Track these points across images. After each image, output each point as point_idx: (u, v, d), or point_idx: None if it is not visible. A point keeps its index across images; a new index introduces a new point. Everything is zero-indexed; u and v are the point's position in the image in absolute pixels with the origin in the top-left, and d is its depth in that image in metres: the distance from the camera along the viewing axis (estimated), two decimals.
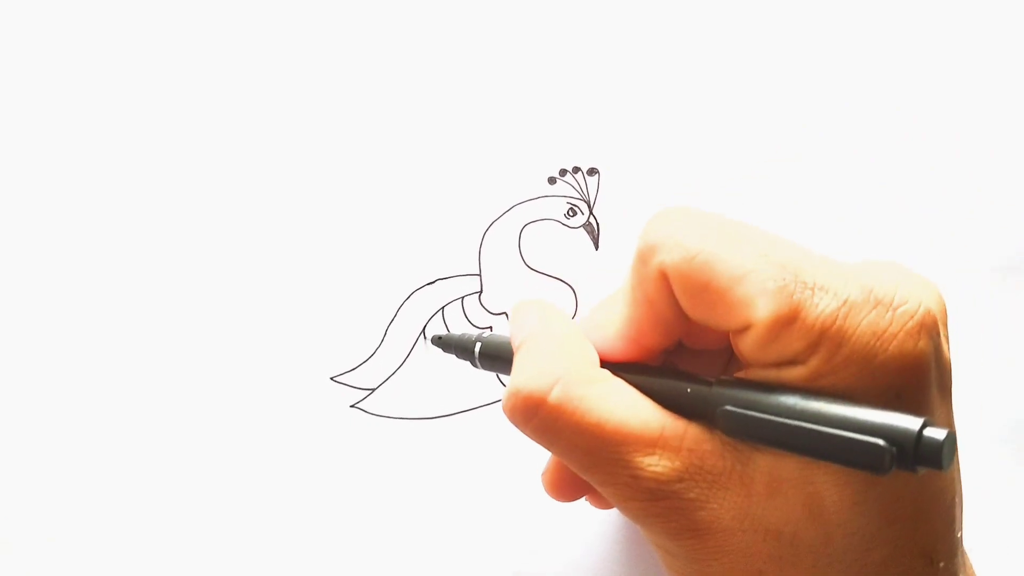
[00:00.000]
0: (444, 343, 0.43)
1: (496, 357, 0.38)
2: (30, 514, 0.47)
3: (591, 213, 0.49)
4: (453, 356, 0.42)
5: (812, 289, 0.27)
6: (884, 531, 0.27)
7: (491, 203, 0.48)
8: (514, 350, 0.34)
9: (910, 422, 0.24)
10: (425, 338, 0.48)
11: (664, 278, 0.29)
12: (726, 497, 0.28)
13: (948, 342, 0.29)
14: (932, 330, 0.27)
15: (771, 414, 0.27)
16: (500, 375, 0.47)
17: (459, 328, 0.48)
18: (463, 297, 0.48)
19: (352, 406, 0.48)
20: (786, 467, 0.27)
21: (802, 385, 0.27)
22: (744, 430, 0.27)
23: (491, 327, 0.48)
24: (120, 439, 0.48)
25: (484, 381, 0.48)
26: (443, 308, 0.48)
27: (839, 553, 0.27)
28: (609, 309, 0.33)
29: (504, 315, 0.48)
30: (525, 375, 0.31)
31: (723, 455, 0.28)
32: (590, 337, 0.33)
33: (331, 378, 0.48)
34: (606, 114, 0.49)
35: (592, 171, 0.49)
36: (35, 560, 0.47)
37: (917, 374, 0.27)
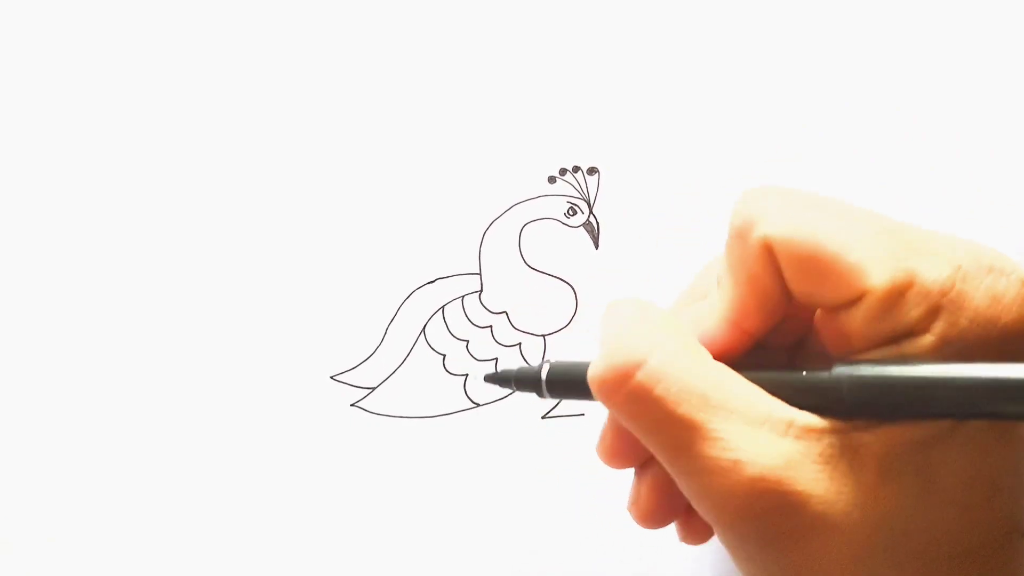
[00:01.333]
0: (501, 379, 0.38)
1: (568, 383, 0.34)
2: (30, 514, 0.47)
3: (591, 212, 0.49)
4: (511, 390, 0.39)
5: (924, 254, 0.26)
6: (988, 505, 0.26)
7: (491, 202, 0.48)
8: (602, 336, 0.31)
9: None
10: (427, 339, 0.48)
11: (768, 251, 0.28)
12: (835, 488, 0.26)
13: None
14: None
15: (900, 381, 0.25)
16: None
17: (459, 329, 0.48)
18: (463, 296, 0.48)
19: (352, 405, 0.48)
20: (900, 448, 0.26)
21: (926, 357, 0.26)
22: (881, 400, 0.26)
23: (491, 326, 0.48)
24: (120, 438, 0.48)
25: (483, 382, 0.48)
26: (443, 307, 0.48)
27: (946, 535, 0.26)
28: (706, 300, 0.31)
29: (504, 314, 0.48)
30: (620, 342, 0.28)
31: (832, 443, 0.26)
32: (688, 325, 0.30)
33: (331, 377, 0.48)
34: (606, 114, 0.49)
35: (592, 170, 0.49)
36: (35, 560, 0.47)
37: None
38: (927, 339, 0.26)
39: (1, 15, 0.49)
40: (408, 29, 0.49)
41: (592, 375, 0.29)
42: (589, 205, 0.49)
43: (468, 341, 0.48)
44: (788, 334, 0.31)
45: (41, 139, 0.48)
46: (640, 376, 0.27)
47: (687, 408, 0.27)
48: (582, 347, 0.48)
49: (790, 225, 0.27)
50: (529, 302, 0.48)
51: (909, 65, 0.50)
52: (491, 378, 0.39)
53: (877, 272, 0.26)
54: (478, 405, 0.48)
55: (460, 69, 0.49)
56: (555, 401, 0.48)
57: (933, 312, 0.26)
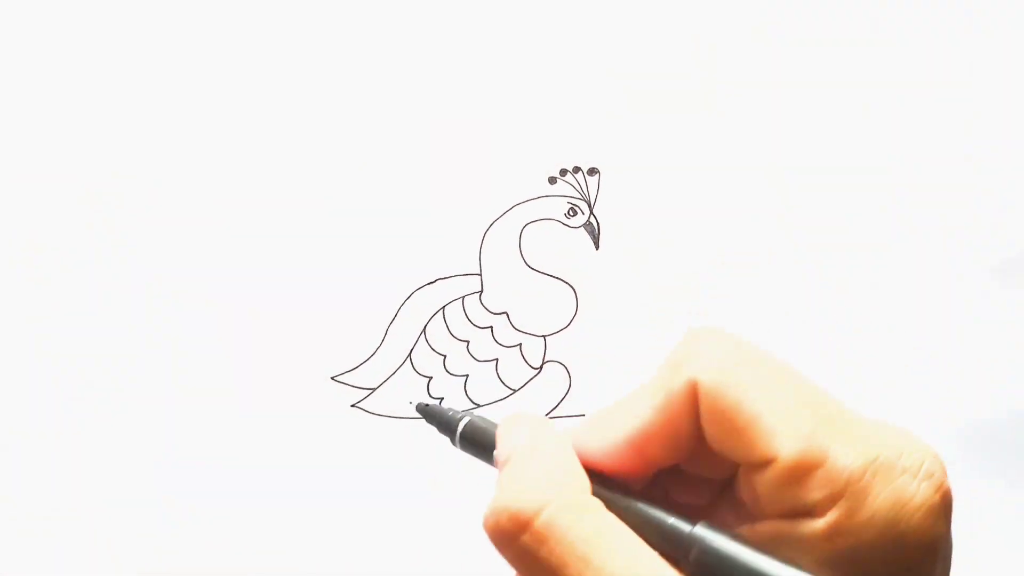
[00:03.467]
0: (428, 413, 0.42)
1: (478, 443, 0.36)
2: (30, 514, 0.47)
3: (591, 213, 0.49)
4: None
5: (843, 438, 0.26)
6: None
7: (491, 203, 0.48)
8: (500, 463, 0.32)
9: None
10: (427, 339, 0.48)
11: (692, 391, 0.28)
12: None
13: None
14: (949, 511, 0.26)
15: (749, 571, 0.26)
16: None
17: (460, 329, 0.48)
18: (463, 297, 0.48)
19: (352, 406, 0.48)
20: None
21: (815, 542, 0.26)
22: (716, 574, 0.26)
23: (491, 327, 0.48)
24: (121, 438, 0.48)
25: (483, 381, 0.48)
26: (443, 308, 0.48)
27: None
28: (615, 416, 0.31)
29: (505, 315, 0.48)
30: (513, 491, 0.29)
31: None
32: (586, 442, 0.31)
33: (331, 378, 0.48)
34: (606, 114, 0.49)
35: (592, 171, 0.49)
36: (35, 560, 0.47)
37: (931, 553, 0.26)
38: (820, 524, 0.26)
39: (1, 15, 0.49)
40: (408, 30, 0.49)
41: (485, 522, 0.30)
42: (589, 206, 0.49)
43: (469, 342, 0.48)
44: (719, 469, 0.31)
45: (41, 139, 0.48)
46: (526, 537, 0.28)
47: (569, 572, 0.27)
48: (582, 347, 0.48)
49: (720, 374, 0.27)
50: (529, 302, 0.48)
51: (909, 65, 0.50)
52: (420, 408, 0.40)
53: (788, 443, 0.26)
54: (478, 406, 0.48)
55: (460, 70, 0.49)
56: (556, 401, 0.48)
57: (834, 498, 0.25)
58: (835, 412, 0.27)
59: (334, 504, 0.48)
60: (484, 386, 0.48)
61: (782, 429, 0.26)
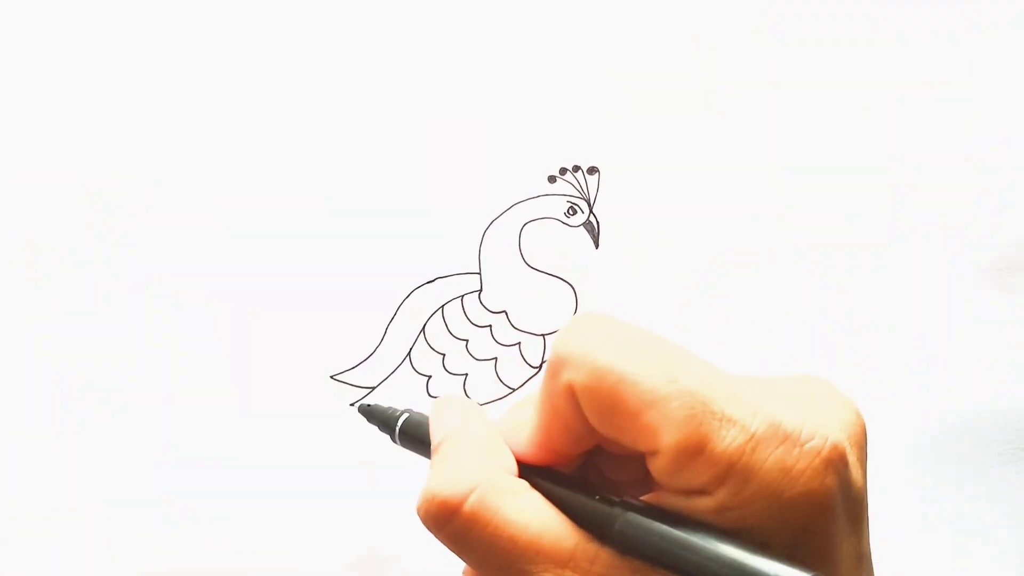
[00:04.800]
0: (369, 413, 0.43)
1: (416, 439, 0.38)
2: (30, 514, 0.47)
3: (591, 212, 0.49)
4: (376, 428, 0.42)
5: (720, 420, 0.27)
6: None
7: (491, 202, 0.49)
8: (432, 449, 0.34)
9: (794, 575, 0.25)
10: (426, 338, 0.48)
11: (572, 394, 0.29)
12: None
13: (864, 465, 0.29)
14: (839, 464, 0.27)
15: (666, 540, 0.27)
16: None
17: (459, 328, 0.48)
18: (463, 296, 0.48)
19: (352, 405, 0.48)
20: None
21: (708, 516, 0.27)
22: (636, 549, 0.27)
23: (491, 326, 0.48)
24: (121, 438, 0.48)
25: (483, 380, 0.48)
26: (443, 307, 0.48)
27: None
28: (525, 412, 0.32)
29: (504, 314, 0.48)
30: (441, 479, 0.30)
31: None
32: (507, 439, 0.32)
33: (331, 376, 0.48)
34: (606, 114, 0.49)
35: (592, 170, 0.49)
36: (35, 560, 0.47)
37: (823, 511, 0.27)
38: (709, 502, 0.27)
39: (1, 15, 0.49)
40: (408, 30, 0.49)
41: (418, 509, 0.31)
42: (589, 205, 0.49)
43: (468, 340, 0.48)
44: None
45: (41, 139, 0.48)
46: (456, 521, 0.30)
47: (498, 552, 0.29)
48: None
49: (593, 376, 0.28)
50: (529, 301, 0.48)
51: (908, 65, 0.50)
52: (362, 410, 0.42)
53: (668, 434, 0.27)
54: (478, 404, 0.48)
55: (460, 70, 0.49)
56: None
57: (719, 479, 0.26)
58: (714, 391, 0.27)
59: (334, 504, 0.48)
60: (483, 385, 0.48)
61: (659, 422, 0.27)
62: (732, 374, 0.29)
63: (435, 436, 0.34)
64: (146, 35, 0.49)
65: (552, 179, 0.49)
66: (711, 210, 0.49)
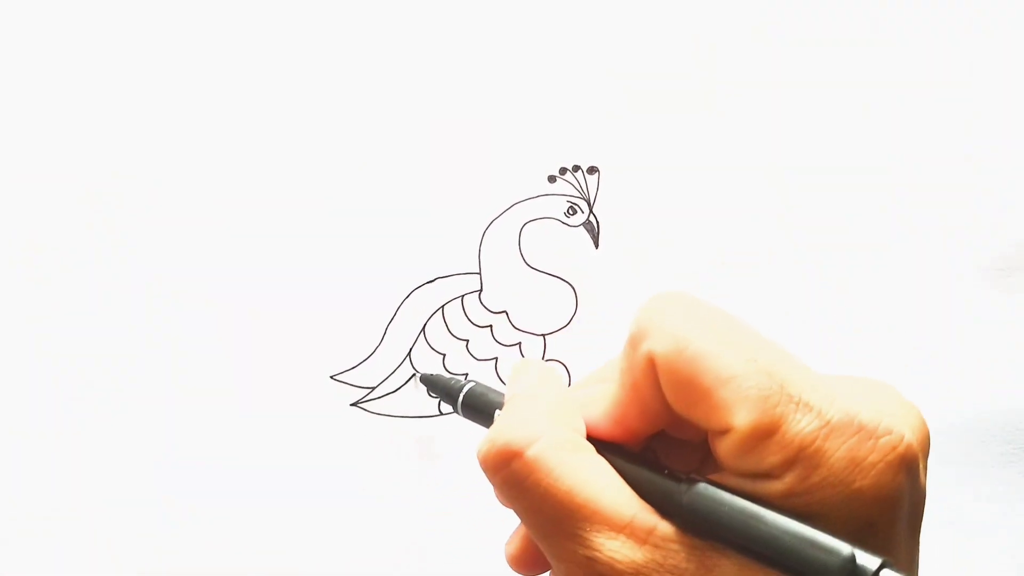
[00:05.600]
0: (431, 383, 0.43)
1: (478, 409, 0.38)
2: (30, 514, 0.47)
3: (591, 211, 0.49)
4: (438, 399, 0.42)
5: (796, 404, 0.27)
6: None
7: (491, 202, 0.49)
8: (504, 403, 0.33)
9: (869, 560, 0.25)
10: (426, 338, 0.48)
11: (652, 366, 0.29)
12: None
13: (926, 472, 0.29)
14: (912, 464, 0.27)
15: (737, 512, 0.27)
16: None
17: (459, 328, 0.48)
18: (463, 296, 0.48)
19: (352, 405, 0.48)
20: None
21: (773, 500, 0.27)
22: (704, 525, 0.27)
23: (491, 326, 0.48)
24: (121, 438, 0.48)
25: (483, 380, 0.48)
26: (443, 307, 0.48)
27: None
28: (600, 386, 0.32)
29: (504, 314, 0.48)
30: (507, 425, 0.30)
31: (688, 558, 0.27)
32: (580, 409, 0.32)
33: (331, 377, 0.48)
34: (606, 114, 0.49)
35: (592, 170, 0.49)
36: (35, 560, 0.47)
37: (891, 508, 0.27)
38: (777, 485, 0.27)
39: (1, 15, 0.49)
40: (408, 30, 0.49)
41: (479, 451, 0.30)
42: (589, 204, 0.49)
43: (468, 340, 0.48)
44: (699, 431, 0.32)
45: (41, 139, 0.48)
46: (516, 465, 0.29)
47: (552, 503, 0.29)
48: (582, 346, 0.48)
49: (674, 347, 0.28)
50: (529, 301, 0.48)
51: (908, 65, 0.50)
52: (425, 379, 0.43)
53: (743, 413, 0.27)
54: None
55: (460, 70, 0.49)
56: None
57: (789, 463, 0.26)
58: (791, 376, 0.27)
59: (334, 504, 0.48)
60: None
61: (735, 400, 0.27)
62: (808, 366, 0.28)
63: (509, 391, 0.33)
64: (146, 35, 0.49)
65: (552, 179, 0.49)
66: (711, 210, 0.49)
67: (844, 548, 0.25)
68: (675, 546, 0.28)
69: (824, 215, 0.49)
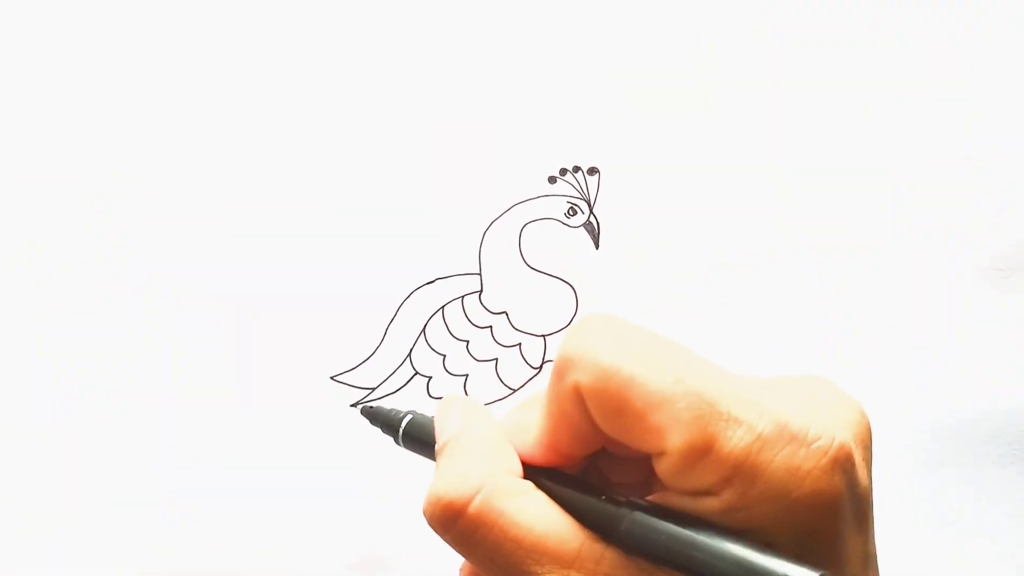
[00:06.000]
0: (372, 415, 0.43)
1: (419, 440, 0.38)
2: (30, 514, 0.47)
3: (591, 212, 0.49)
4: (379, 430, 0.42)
5: (727, 421, 0.27)
6: None
7: (491, 202, 0.49)
8: (437, 450, 0.34)
9: (806, 574, 0.25)
10: (427, 339, 0.48)
11: (579, 395, 0.29)
12: None
13: (869, 465, 0.29)
14: (846, 464, 0.27)
15: (674, 539, 0.27)
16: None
17: (459, 329, 0.48)
18: (463, 296, 0.48)
19: (352, 405, 0.48)
20: None
21: (715, 517, 0.27)
22: (643, 549, 0.27)
23: (491, 326, 0.48)
24: (121, 438, 0.48)
25: (483, 381, 0.48)
26: (443, 307, 0.48)
27: None
28: (531, 413, 0.32)
29: (504, 314, 0.48)
30: (447, 481, 0.30)
31: None
32: (512, 440, 0.32)
33: (331, 377, 0.48)
34: (606, 114, 0.49)
35: (592, 170, 0.49)
36: (35, 560, 0.47)
37: (830, 511, 0.27)
38: (716, 503, 0.27)
39: (1, 15, 0.49)
40: (408, 30, 0.49)
41: (424, 510, 0.31)
42: (589, 205, 0.49)
43: (468, 341, 0.48)
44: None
45: (41, 139, 0.48)
46: (461, 523, 0.30)
47: (503, 553, 0.29)
48: None
49: (600, 377, 0.28)
50: (529, 302, 0.48)
51: (908, 65, 0.50)
52: (365, 412, 0.42)
53: (675, 436, 0.27)
54: (482, 404, 0.48)
55: (460, 70, 0.49)
56: None
57: (726, 480, 0.26)
58: (720, 392, 0.27)
59: (334, 504, 0.48)
60: (484, 386, 0.48)
61: (666, 423, 0.27)
62: (737, 375, 0.29)
63: (440, 436, 0.34)
64: (146, 35, 0.49)
65: (552, 180, 0.49)
66: (711, 210, 0.49)
67: (778, 570, 0.25)
68: (623, 572, 0.28)
69: (824, 215, 0.49)
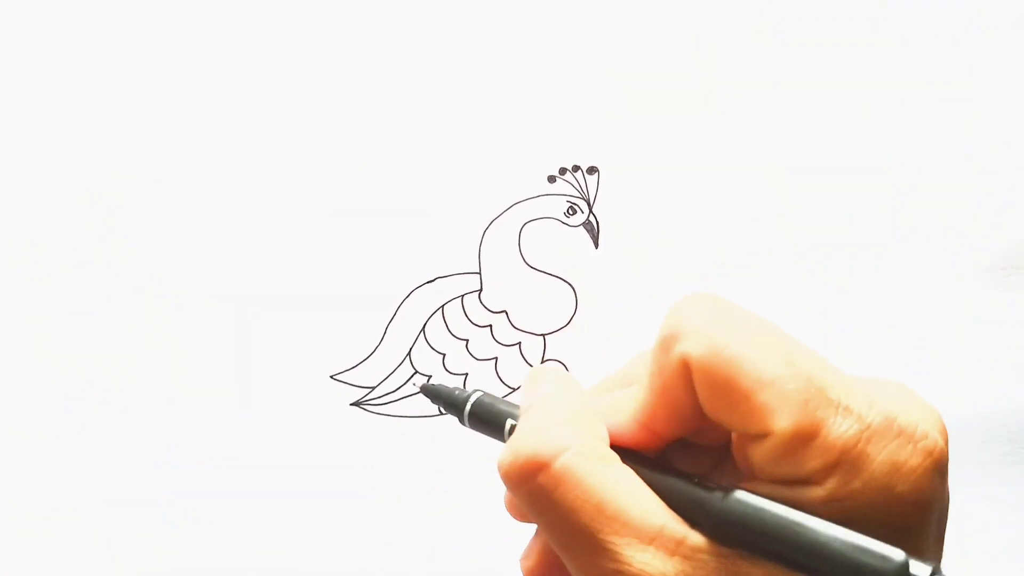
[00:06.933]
0: (434, 393, 0.42)
1: (485, 420, 0.36)
2: (30, 514, 0.47)
3: (591, 211, 0.49)
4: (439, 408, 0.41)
5: (836, 407, 0.26)
6: None
7: (491, 202, 0.49)
8: (522, 412, 0.32)
9: (920, 568, 0.24)
10: (426, 338, 0.48)
11: (686, 369, 0.28)
12: None
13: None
14: (944, 468, 0.27)
15: (779, 520, 0.26)
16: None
17: (459, 328, 0.48)
18: (463, 295, 0.48)
19: (352, 405, 0.48)
20: None
21: (813, 506, 0.26)
22: (741, 534, 0.27)
23: (491, 325, 0.48)
24: (121, 438, 0.48)
25: (483, 380, 0.48)
26: (443, 306, 0.48)
27: None
28: (620, 389, 0.32)
29: (504, 313, 0.48)
30: (532, 436, 0.29)
31: (719, 568, 0.27)
32: (602, 415, 0.31)
33: (331, 376, 0.48)
34: (606, 114, 0.49)
35: (592, 170, 0.49)
36: (35, 560, 0.47)
37: (926, 512, 0.27)
38: (817, 491, 0.26)
39: (1, 15, 0.49)
40: (408, 30, 0.49)
41: (500, 464, 0.30)
42: (589, 204, 0.49)
43: (468, 340, 0.48)
44: (720, 437, 0.31)
45: (41, 139, 0.48)
46: (542, 478, 0.28)
47: (580, 516, 0.28)
48: (582, 346, 0.48)
49: (711, 349, 0.27)
50: (529, 301, 0.48)
51: (908, 65, 0.50)
52: (425, 390, 0.41)
53: (783, 417, 0.26)
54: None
55: (460, 70, 0.49)
56: None
57: (830, 468, 0.26)
58: (829, 379, 0.27)
59: (334, 504, 0.48)
60: (483, 385, 0.48)
61: (775, 403, 0.26)
62: (841, 369, 0.28)
63: (527, 401, 0.32)
64: (146, 35, 0.49)
65: (552, 179, 0.49)
66: (711, 210, 0.49)
67: (897, 554, 0.24)
68: (705, 556, 0.27)
69: (824, 215, 0.49)
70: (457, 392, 0.38)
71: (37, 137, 0.48)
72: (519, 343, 0.48)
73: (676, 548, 0.27)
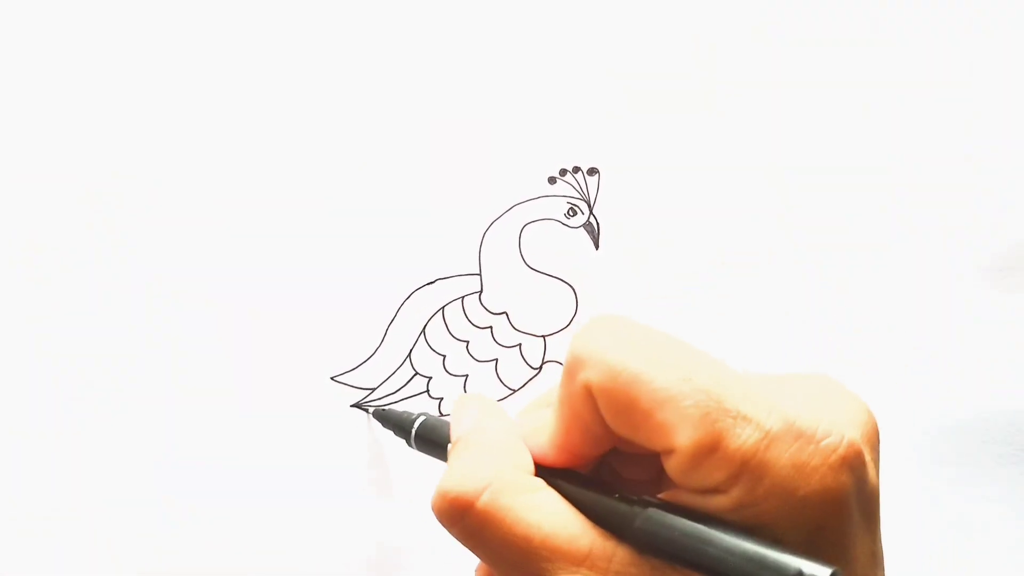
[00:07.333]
0: (384, 417, 0.43)
1: (431, 442, 0.38)
2: (30, 514, 0.47)
3: (591, 213, 0.49)
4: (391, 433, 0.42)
5: (735, 418, 0.27)
6: None
7: (491, 203, 0.49)
8: (450, 447, 0.33)
9: (819, 570, 0.25)
10: (427, 340, 0.48)
11: (589, 395, 0.29)
12: None
13: (877, 464, 0.29)
14: (855, 462, 0.27)
15: (686, 535, 0.27)
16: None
17: (459, 329, 0.48)
18: (463, 297, 0.48)
19: (352, 406, 0.48)
20: None
21: (723, 514, 0.27)
22: (655, 546, 0.28)
23: (491, 327, 0.48)
24: (121, 438, 0.48)
25: (483, 381, 0.48)
26: (443, 308, 0.48)
27: None
28: (543, 414, 0.33)
29: (504, 315, 0.48)
30: (456, 476, 0.30)
31: None
32: (526, 440, 0.32)
33: (331, 378, 0.48)
34: (606, 114, 0.49)
35: (592, 171, 0.49)
36: (35, 560, 0.47)
37: (838, 508, 0.27)
38: (726, 500, 0.27)
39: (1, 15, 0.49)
40: (408, 30, 0.49)
41: (432, 505, 0.31)
42: (589, 205, 0.49)
43: (468, 342, 0.48)
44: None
45: (41, 139, 0.48)
46: (469, 518, 0.30)
47: (511, 550, 0.29)
48: None
49: (609, 375, 0.28)
50: (529, 303, 0.48)
51: (908, 65, 0.50)
52: (377, 415, 0.43)
53: (683, 433, 0.27)
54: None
55: (460, 70, 0.49)
56: None
57: (734, 477, 0.27)
58: (728, 391, 0.27)
59: (334, 504, 0.48)
60: (484, 387, 0.48)
61: (674, 420, 0.27)
62: (746, 373, 0.29)
63: (454, 433, 0.34)
64: (146, 35, 0.49)
65: (552, 180, 0.49)
66: (711, 210, 0.49)
67: (791, 564, 0.25)
68: (635, 570, 0.28)
69: (824, 215, 0.49)
70: (405, 415, 0.39)
71: (37, 137, 0.48)
72: (520, 344, 0.48)
73: (607, 567, 0.28)
